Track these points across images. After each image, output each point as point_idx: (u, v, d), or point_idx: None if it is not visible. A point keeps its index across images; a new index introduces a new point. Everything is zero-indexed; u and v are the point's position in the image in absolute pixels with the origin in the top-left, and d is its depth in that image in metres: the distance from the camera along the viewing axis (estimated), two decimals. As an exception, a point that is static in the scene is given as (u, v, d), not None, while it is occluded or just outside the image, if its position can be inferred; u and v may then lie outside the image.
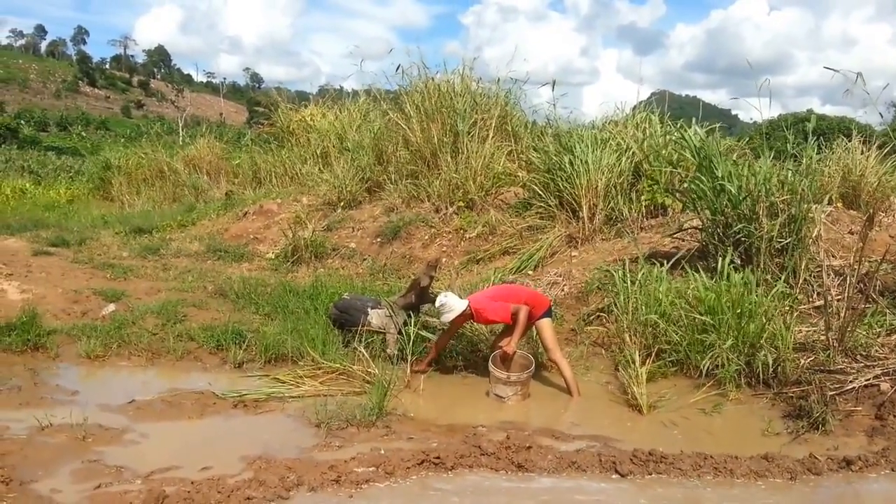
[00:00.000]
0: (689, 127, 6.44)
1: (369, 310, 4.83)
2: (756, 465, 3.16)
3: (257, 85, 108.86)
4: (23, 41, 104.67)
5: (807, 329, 4.44)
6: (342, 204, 8.45)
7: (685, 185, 5.86)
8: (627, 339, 4.47)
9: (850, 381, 3.87)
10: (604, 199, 6.48)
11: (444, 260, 6.64)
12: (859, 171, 6.58)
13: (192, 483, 2.92)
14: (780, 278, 4.61)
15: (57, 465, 3.11)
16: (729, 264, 4.62)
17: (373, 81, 10.59)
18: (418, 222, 7.34)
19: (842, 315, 4.21)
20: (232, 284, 6.27)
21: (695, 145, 5.72)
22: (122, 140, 23.29)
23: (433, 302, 4.70)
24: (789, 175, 5.11)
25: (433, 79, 8.46)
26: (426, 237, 7.17)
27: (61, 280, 6.19)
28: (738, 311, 4.22)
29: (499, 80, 8.51)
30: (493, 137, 7.81)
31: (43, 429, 3.47)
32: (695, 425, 3.80)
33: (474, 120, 7.78)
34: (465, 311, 4.28)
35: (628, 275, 4.87)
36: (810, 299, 4.80)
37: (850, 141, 6.93)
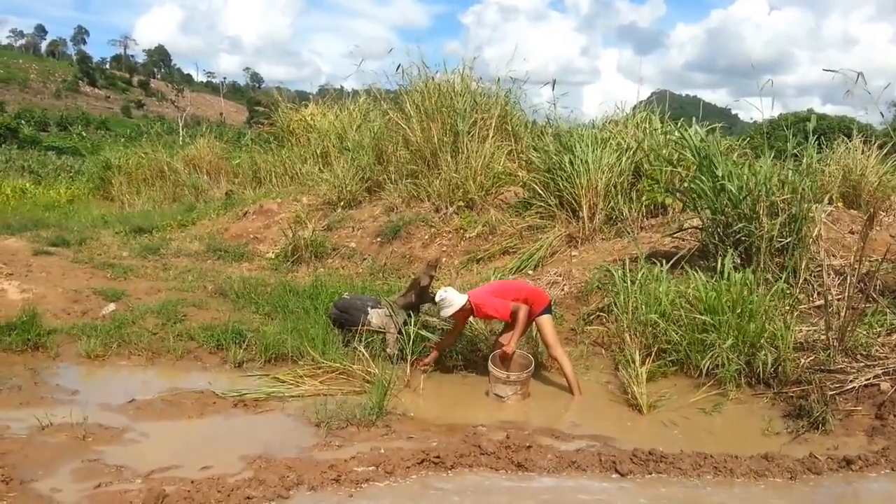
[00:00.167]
0: (690, 126, 6.44)
1: (369, 309, 4.83)
2: (756, 465, 3.16)
3: (257, 85, 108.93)
4: (23, 41, 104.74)
5: (807, 329, 4.44)
6: (342, 204, 8.45)
7: (685, 184, 5.86)
8: (627, 338, 4.47)
9: (851, 381, 3.87)
10: (604, 198, 6.47)
11: (444, 259, 6.64)
12: (860, 171, 6.58)
13: (192, 482, 2.92)
14: (780, 278, 4.61)
15: (57, 464, 3.11)
16: (729, 264, 4.62)
17: (373, 81, 10.60)
18: (418, 222, 7.34)
19: (842, 315, 4.21)
20: (232, 284, 6.27)
21: (695, 145, 5.72)
22: (123, 140, 23.29)
23: (433, 301, 4.70)
24: (790, 174, 5.11)
25: (433, 78, 8.46)
26: (426, 237, 7.17)
27: (61, 280, 6.19)
28: (739, 310, 4.22)
29: (499, 79, 8.52)
30: (493, 137, 7.81)
31: (43, 428, 3.47)
32: (695, 425, 3.80)
33: (474, 119, 7.78)
34: (464, 305, 4.27)
35: (628, 274, 4.87)
36: (811, 299, 4.80)
37: (850, 140, 6.93)
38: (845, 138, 7.04)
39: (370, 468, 3.08)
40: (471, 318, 4.52)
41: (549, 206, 6.70)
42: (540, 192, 6.82)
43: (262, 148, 12.63)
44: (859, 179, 6.52)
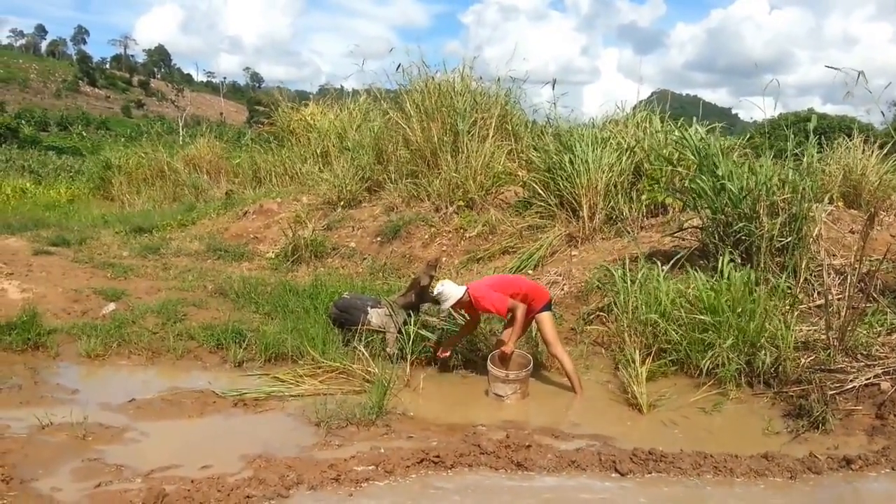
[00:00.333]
0: (690, 126, 6.43)
1: (369, 309, 4.83)
2: (756, 464, 3.16)
3: (257, 84, 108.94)
4: (23, 41, 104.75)
5: (807, 328, 4.44)
6: (342, 203, 8.45)
7: (686, 184, 5.86)
8: (627, 338, 4.47)
9: (851, 381, 3.86)
10: (604, 198, 6.47)
11: (443, 259, 6.64)
12: (860, 171, 6.58)
13: (192, 481, 2.92)
14: (780, 277, 4.60)
15: (57, 463, 3.11)
16: (729, 263, 4.61)
17: (373, 81, 10.60)
18: (418, 221, 7.34)
19: (842, 314, 4.21)
20: (232, 284, 6.27)
21: (695, 144, 5.72)
22: (123, 140, 23.31)
23: (433, 301, 4.71)
24: (790, 174, 5.10)
25: (433, 78, 8.46)
26: (426, 236, 7.17)
27: (62, 279, 6.20)
28: (739, 310, 4.22)
29: (499, 79, 8.52)
30: (493, 137, 7.81)
31: (43, 427, 3.47)
32: (695, 424, 3.80)
33: (474, 119, 7.78)
34: (462, 298, 4.27)
35: (628, 274, 4.87)
36: (811, 298, 4.80)
37: (851, 140, 6.92)
38: (846, 138, 7.04)
39: (370, 467, 3.08)
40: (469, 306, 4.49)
41: (549, 205, 6.70)
42: (540, 191, 6.82)
43: (262, 148, 12.64)
44: (860, 179, 6.52)
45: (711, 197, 5.18)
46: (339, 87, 13.66)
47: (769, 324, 4.19)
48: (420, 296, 4.79)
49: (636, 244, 5.67)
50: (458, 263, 6.61)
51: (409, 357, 4.45)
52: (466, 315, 4.64)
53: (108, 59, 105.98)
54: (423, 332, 4.67)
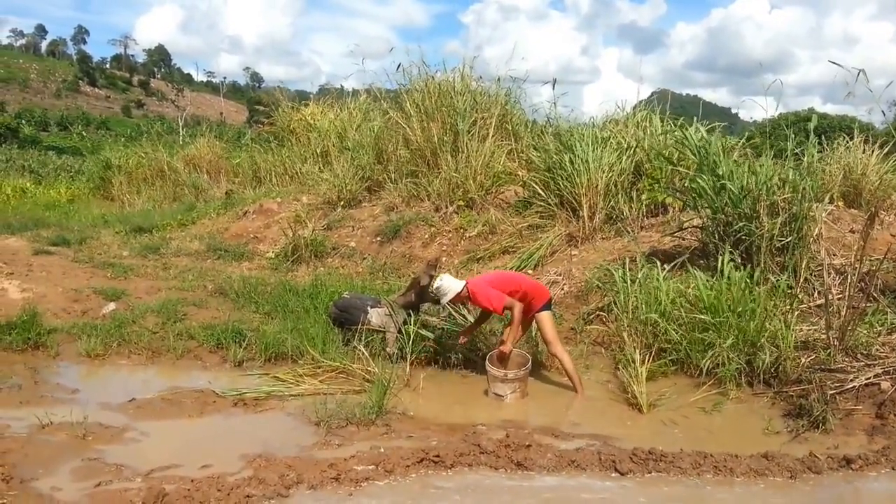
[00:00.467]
0: (690, 126, 6.43)
1: (369, 308, 4.83)
2: (756, 464, 3.16)
3: (257, 84, 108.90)
4: (23, 41, 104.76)
5: (807, 328, 4.44)
6: (342, 203, 8.45)
7: (686, 183, 5.85)
8: (627, 337, 4.47)
9: (851, 380, 3.86)
10: (604, 197, 6.47)
11: (443, 259, 6.64)
12: (861, 170, 6.57)
13: (192, 481, 2.92)
14: (780, 277, 4.60)
15: (57, 463, 3.11)
16: (729, 262, 4.61)
17: (373, 80, 10.60)
18: (418, 221, 7.34)
19: (842, 314, 4.21)
20: (232, 283, 6.27)
21: (695, 144, 5.72)
22: (123, 140, 23.32)
23: (433, 301, 4.71)
24: (790, 174, 5.10)
25: (433, 78, 8.46)
26: (426, 236, 7.17)
27: (62, 279, 6.20)
28: (739, 309, 4.22)
29: (499, 78, 8.53)
30: (493, 136, 7.81)
31: (43, 427, 3.48)
32: (695, 424, 3.80)
33: (474, 119, 7.78)
34: (462, 292, 4.28)
35: (628, 274, 4.87)
36: (811, 298, 4.80)
37: (851, 139, 6.92)
38: (846, 137, 7.03)
39: (370, 467, 3.08)
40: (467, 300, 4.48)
41: (550, 205, 6.70)
42: (540, 191, 6.82)
43: (262, 147, 12.64)
44: (860, 179, 6.51)
45: (711, 196, 5.18)
46: (340, 86, 13.68)
47: (769, 323, 4.19)
48: (420, 295, 4.79)
49: (636, 244, 5.67)
50: (458, 263, 6.61)
51: (408, 357, 4.45)
52: (471, 311, 4.64)
53: (109, 59, 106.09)
54: (423, 332, 4.67)
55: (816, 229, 5.03)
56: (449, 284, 4.33)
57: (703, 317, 4.29)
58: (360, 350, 4.43)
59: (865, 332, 4.26)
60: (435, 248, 6.98)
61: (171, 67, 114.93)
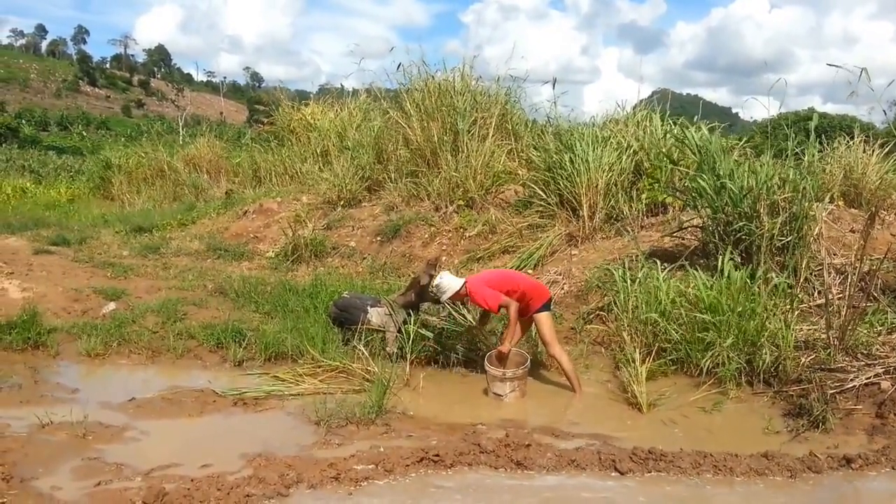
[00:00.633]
0: (690, 125, 6.43)
1: (369, 308, 4.83)
2: (756, 464, 3.16)
3: (257, 84, 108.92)
4: (23, 41, 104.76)
5: (808, 327, 4.44)
6: (342, 203, 8.45)
7: (686, 183, 5.85)
8: (627, 337, 4.46)
9: (851, 380, 3.86)
10: (604, 197, 6.47)
11: (443, 258, 6.64)
12: (861, 170, 6.57)
13: (192, 480, 2.92)
14: (781, 277, 4.60)
15: (57, 462, 3.11)
16: (729, 262, 4.61)
17: (373, 80, 10.61)
18: (418, 221, 7.34)
19: (843, 313, 4.21)
20: (232, 283, 6.27)
21: (696, 143, 5.71)
22: (123, 139, 23.34)
23: (433, 300, 4.71)
24: (791, 173, 5.10)
25: (433, 77, 8.46)
26: (426, 236, 7.17)
27: (62, 279, 6.20)
28: (739, 309, 4.22)
29: (499, 78, 8.53)
30: (493, 136, 7.81)
31: (43, 426, 3.48)
32: (695, 423, 3.80)
33: (474, 118, 7.78)
34: (461, 290, 4.30)
35: (628, 273, 4.87)
36: (811, 298, 4.80)
37: (851, 139, 6.91)
38: (846, 137, 7.03)
39: (370, 466, 3.08)
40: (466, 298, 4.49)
41: (550, 204, 6.69)
42: (540, 190, 6.82)
43: (262, 147, 12.64)
44: (860, 178, 6.51)
45: (712, 196, 5.18)
46: (340, 86, 13.68)
47: (769, 323, 4.18)
48: (420, 295, 4.79)
49: (636, 243, 5.67)
50: (458, 263, 6.61)
51: (408, 356, 4.45)
52: (470, 310, 4.65)
53: (109, 59, 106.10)
54: (423, 332, 4.67)
55: (817, 229, 5.03)
56: (448, 282, 4.34)
57: (703, 316, 4.28)
58: (359, 349, 4.43)
59: (865, 331, 4.26)
60: (435, 247, 6.98)
61: (171, 67, 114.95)
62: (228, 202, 10.15)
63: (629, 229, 6.16)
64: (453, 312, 4.81)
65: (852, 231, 5.64)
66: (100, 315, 5.42)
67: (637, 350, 4.20)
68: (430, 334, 4.71)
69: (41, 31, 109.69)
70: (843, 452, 3.28)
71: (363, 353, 4.37)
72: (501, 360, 4.28)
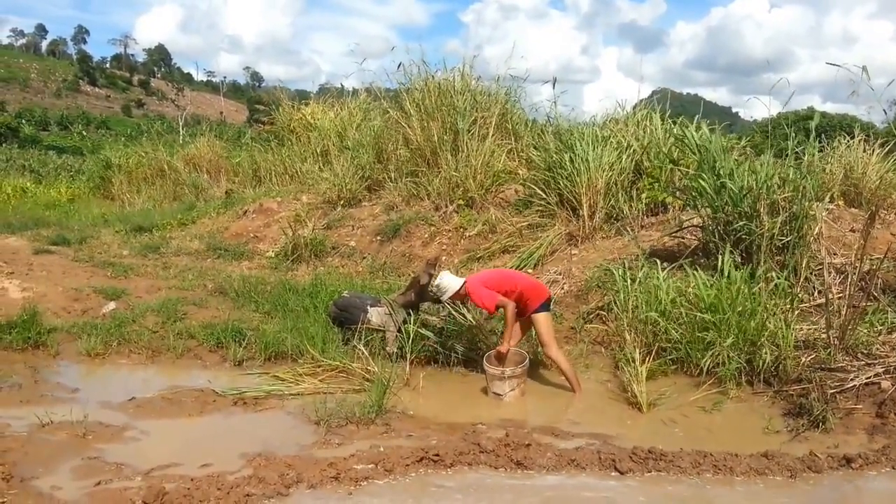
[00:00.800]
0: (690, 125, 6.42)
1: (369, 308, 4.83)
2: (756, 463, 3.16)
3: (257, 84, 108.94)
4: (23, 40, 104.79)
5: (808, 327, 4.43)
6: (342, 202, 8.45)
7: (686, 182, 5.85)
8: (627, 337, 4.46)
9: (851, 380, 3.86)
10: (604, 197, 6.47)
11: (443, 258, 6.64)
12: (861, 169, 6.56)
13: (192, 480, 2.92)
14: (781, 276, 4.60)
15: (57, 462, 3.11)
16: (729, 261, 4.61)
17: (373, 80, 10.61)
18: (418, 220, 7.34)
19: (843, 313, 4.21)
20: (232, 283, 6.27)
21: (696, 143, 5.71)
22: (123, 139, 23.33)
23: (433, 300, 4.71)
24: (791, 173, 5.09)
25: (433, 77, 8.46)
26: (426, 235, 7.16)
27: (62, 278, 6.20)
28: (739, 309, 4.22)
29: (499, 78, 8.52)
30: (493, 135, 7.80)
31: (43, 426, 3.48)
32: (695, 423, 3.79)
33: (474, 118, 7.78)
34: (460, 290, 4.31)
35: (628, 273, 4.87)
36: (811, 297, 4.79)
37: (852, 138, 6.91)
38: (846, 136, 7.02)
39: (369, 466, 3.08)
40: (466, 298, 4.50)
41: (550, 204, 6.69)
42: (540, 190, 6.81)
43: (262, 147, 12.64)
44: (860, 178, 6.50)
45: (712, 196, 5.17)
46: (340, 86, 13.67)
47: (769, 322, 4.18)
48: (420, 294, 4.79)
49: (636, 243, 5.66)
50: (458, 262, 6.60)
51: (408, 356, 4.45)
52: (470, 309, 4.65)
53: (109, 59, 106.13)
54: (423, 332, 4.67)
55: (817, 228, 5.02)
56: (448, 282, 4.35)
57: (703, 316, 4.28)
58: (359, 349, 4.43)
59: (866, 331, 4.26)
60: (435, 247, 6.98)
61: (171, 67, 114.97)
62: (228, 202, 10.15)
63: (629, 229, 6.16)
64: (453, 312, 4.81)
65: (852, 230, 5.63)
66: (100, 315, 5.42)
67: (637, 349, 4.20)
68: (430, 334, 4.71)
69: (41, 30, 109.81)
70: (843, 452, 3.28)
71: (363, 353, 4.37)
72: (500, 359, 4.28)
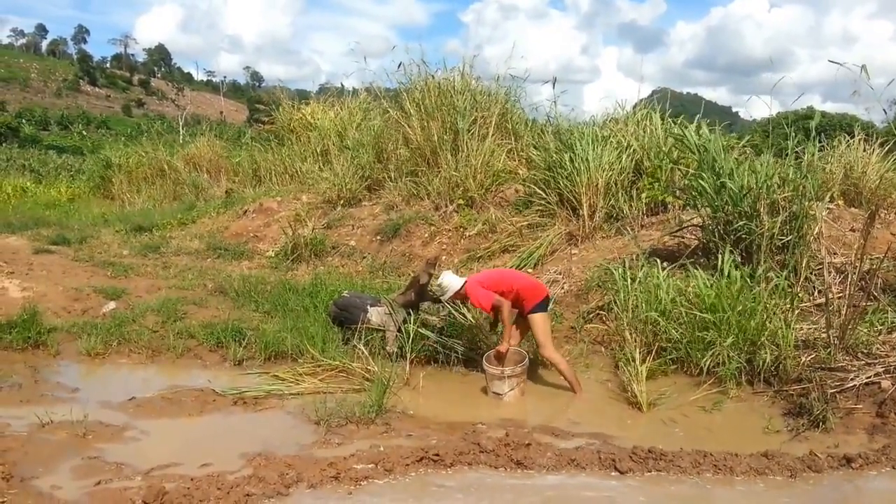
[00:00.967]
0: (690, 124, 6.42)
1: (369, 307, 4.83)
2: (756, 463, 3.15)
3: (258, 83, 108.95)
4: (24, 40, 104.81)
5: (808, 327, 4.43)
6: (342, 202, 8.45)
7: (686, 182, 5.84)
8: (628, 336, 4.46)
9: (851, 379, 3.86)
10: (604, 196, 6.47)
11: (443, 258, 6.64)
12: (861, 169, 6.55)
13: (192, 480, 2.92)
14: (781, 276, 4.59)
15: (57, 461, 3.11)
16: (729, 261, 4.61)
17: (373, 79, 10.59)
18: (418, 220, 7.34)
19: (843, 313, 4.20)
20: (232, 282, 6.28)
21: (696, 142, 5.71)
22: (123, 139, 23.35)
23: (433, 300, 4.71)
24: (791, 172, 5.09)
25: (433, 77, 8.46)
26: (426, 235, 7.16)
27: (62, 278, 6.20)
28: (739, 308, 4.21)
29: (499, 77, 8.52)
30: (493, 135, 7.80)
31: (43, 426, 3.48)
32: (695, 423, 3.79)
33: (474, 118, 7.77)
34: (461, 290, 4.32)
35: (628, 272, 4.87)
36: (811, 297, 4.79)
37: (851, 138, 6.90)
38: (846, 136, 7.01)
39: (369, 466, 3.08)
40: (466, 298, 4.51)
41: (550, 204, 6.69)
42: (540, 190, 6.81)
43: (262, 146, 12.63)
44: (860, 177, 6.50)
45: (712, 195, 5.17)
46: (340, 85, 13.67)
47: (770, 322, 4.18)
48: (420, 294, 4.79)
49: (636, 242, 5.66)
50: (458, 262, 6.60)
51: (408, 355, 4.45)
52: (470, 309, 4.66)
53: (109, 59, 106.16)
54: (423, 331, 4.67)
55: (817, 228, 5.02)
56: (450, 281, 4.37)
57: (703, 315, 4.28)
58: (359, 349, 4.43)
59: (866, 330, 4.25)
60: (435, 246, 6.98)
61: (172, 67, 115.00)
62: (228, 201, 10.15)
63: (629, 228, 6.16)
64: (453, 312, 4.81)
65: (852, 230, 5.63)
66: (100, 314, 5.42)
67: (637, 349, 4.20)
68: (430, 333, 4.70)
69: (41, 30, 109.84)
70: (843, 452, 3.28)
71: (363, 353, 4.37)
72: (500, 359, 4.28)
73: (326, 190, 8.69)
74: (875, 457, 3.23)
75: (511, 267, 6.06)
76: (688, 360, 4.32)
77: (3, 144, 29.63)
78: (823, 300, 4.44)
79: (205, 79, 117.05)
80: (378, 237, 7.45)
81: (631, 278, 4.80)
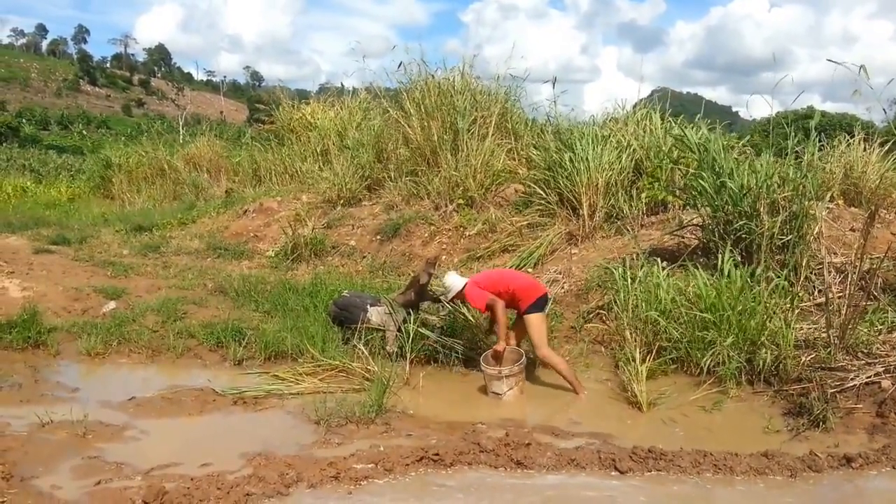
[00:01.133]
0: (690, 124, 6.42)
1: (369, 307, 4.83)
2: (756, 463, 3.15)
3: (258, 83, 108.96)
4: (24, 40, 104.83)
5: (808, 326, 4.43)
6: (342, 202, 8.45)
7: (686, 182, 5.84)
8: (628, 336, 4.46)
9: (851, 379, 3.86)
10: (604, 196, 6.46)
11: (443, 257, 6.64)
12: (861, 168, 6.55)
13: (192, 479, 2.92)
14: (781, 275, 4.59)
15: (57, 461, 3.11)
16: (729, 260, 4.60)
17: (373, 79, 10.59)
18: (418, 220, 7.34)
19: (843, 312, 4.20)
20: (232, 282, 6.27)
21: (696, 142, 5.71)
22: (123, 138, 23.36)
23: (433, 299, 4.71)
24: (791, 172, 5.09)
25: (433, 76, 8.45)
26: (426, 235, 7.16)
27: (62, 278, 6.20)
28: (739, 308, 4.21)
29: (498, 77, 8.51)
30: (493, 135, 7.80)
31: (43, 425, 3.48)
32: (695, 423, 3.79)
33: (474, 117, 7.77)
34: (462, 290, 4.34)
35: (628, 272, 4.86)
36: (811, 296, 4.79)
37: (851, 137, 6.90)
38: (846, 136, 7.01)
39: (369, 465, 3.08)
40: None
41: (550, 203, 6.69)
42: (540, 189, 6.81)
43: (262, 146, 12.63)
44: (860, 177, 6.50)
45: (712, 195, 5.17)
46: (340, 85, 13.66)
47: (770, 322, 4.18)
48: (420, 294, 4.79)
49: (636, 242, 5.66)
50: (458, 262, 6.60)
51: (408, 355, 4.45)
52: (470, 309, 4.66)
53: (109, 58, 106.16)
54: (423, 331, 4.67)
55: (817, 227, 5.02)
56: (452, 282, 4.41)
57: (703, 315, 4.28)
58: (359, 349, 4.43)
59: (866, 330, 4.25)
60: (435, 246, 6.98)
61: (172, 66, 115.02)
62: (228, 201, 10.15)
63: (629, 228, 6.16)
64: (453, 311, 4.81)
65: (852, 230, 5.63)
66: (100, 314, 5.42)
67: (637, 349, 4.20)
68: (430, 333, 4.71)
69: (42, 30, 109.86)
70: (843, 451, 3.28)
71: (363, 353, 4.37)
72: (497, 358, 4.28)
73: (326, 190, 8.68)
74: (875, 456, 3.22)
75: (511, 267, 6.06)
76: (688, 359, 4.32)
77: (4, 144, 29.63)
78: (823, 300, 4.44)
79: (205, 79, 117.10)
80: (378, 237, 7.45)
81: (631, 278, 4.80)
